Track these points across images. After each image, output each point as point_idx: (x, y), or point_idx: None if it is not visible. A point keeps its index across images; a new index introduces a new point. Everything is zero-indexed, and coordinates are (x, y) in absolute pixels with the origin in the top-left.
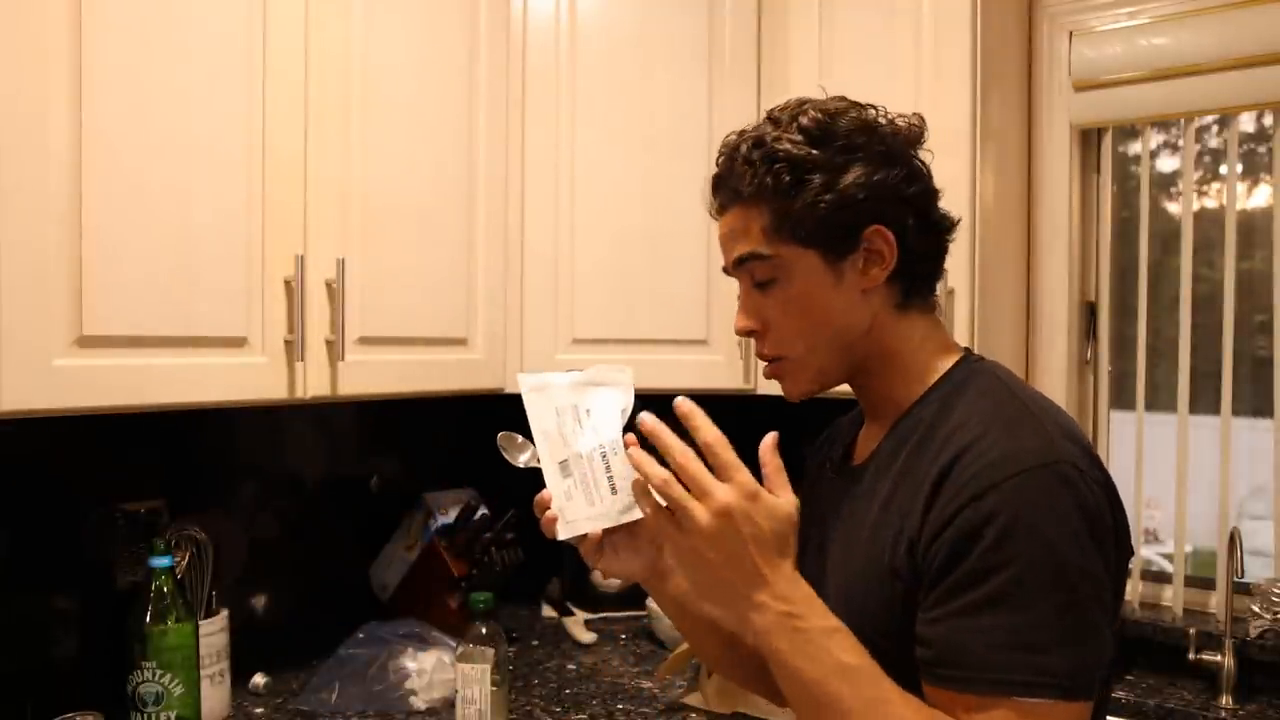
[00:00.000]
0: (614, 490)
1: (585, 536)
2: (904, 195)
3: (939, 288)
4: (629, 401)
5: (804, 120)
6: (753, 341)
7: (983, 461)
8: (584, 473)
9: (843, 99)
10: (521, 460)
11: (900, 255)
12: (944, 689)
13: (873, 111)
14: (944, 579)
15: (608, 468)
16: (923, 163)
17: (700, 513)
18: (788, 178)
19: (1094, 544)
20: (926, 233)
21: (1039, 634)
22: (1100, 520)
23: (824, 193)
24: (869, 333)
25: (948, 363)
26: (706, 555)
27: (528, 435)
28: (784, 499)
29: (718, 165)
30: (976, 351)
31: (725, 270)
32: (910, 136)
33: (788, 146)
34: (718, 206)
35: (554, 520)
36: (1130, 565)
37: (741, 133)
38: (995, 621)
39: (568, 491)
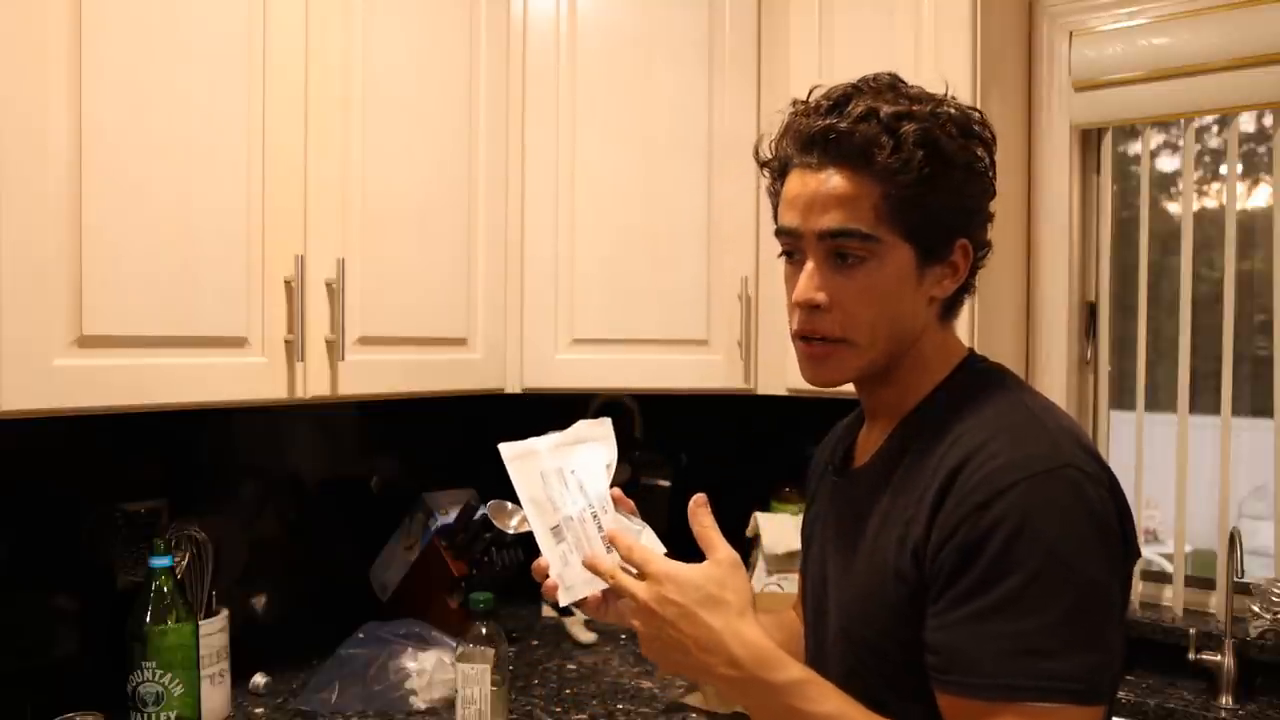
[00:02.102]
0: (609, 549)
1: (587, 599)
2: (987, 215)
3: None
4: (613, 456)
5: (949, 110)
6: (752, 341)
7: (989, 467)
8: (577, 536)
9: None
10: (511, 526)
11: (971, 268)
12: (954, 696)
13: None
14: (952, 586)
15: (599, 527)
16: None
17: (630, 615)
18: (928, 169)
19: (1102, 548)
20: (985, 253)
21: (1048, 639)
22: (1107, 525)
23: (952, 195)
24: (920, 338)
25: (952, 365)
26: (653, 646)
27: (514, 500)
28: (710, 560)
29: (835, 115)
30: (976, 352)
31: (789, 231)
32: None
33: (940, 135)
34: (818, 160)
35: (554, 588)
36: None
37: (858, 89)
38: (1003, 627)
39: (563, 556)
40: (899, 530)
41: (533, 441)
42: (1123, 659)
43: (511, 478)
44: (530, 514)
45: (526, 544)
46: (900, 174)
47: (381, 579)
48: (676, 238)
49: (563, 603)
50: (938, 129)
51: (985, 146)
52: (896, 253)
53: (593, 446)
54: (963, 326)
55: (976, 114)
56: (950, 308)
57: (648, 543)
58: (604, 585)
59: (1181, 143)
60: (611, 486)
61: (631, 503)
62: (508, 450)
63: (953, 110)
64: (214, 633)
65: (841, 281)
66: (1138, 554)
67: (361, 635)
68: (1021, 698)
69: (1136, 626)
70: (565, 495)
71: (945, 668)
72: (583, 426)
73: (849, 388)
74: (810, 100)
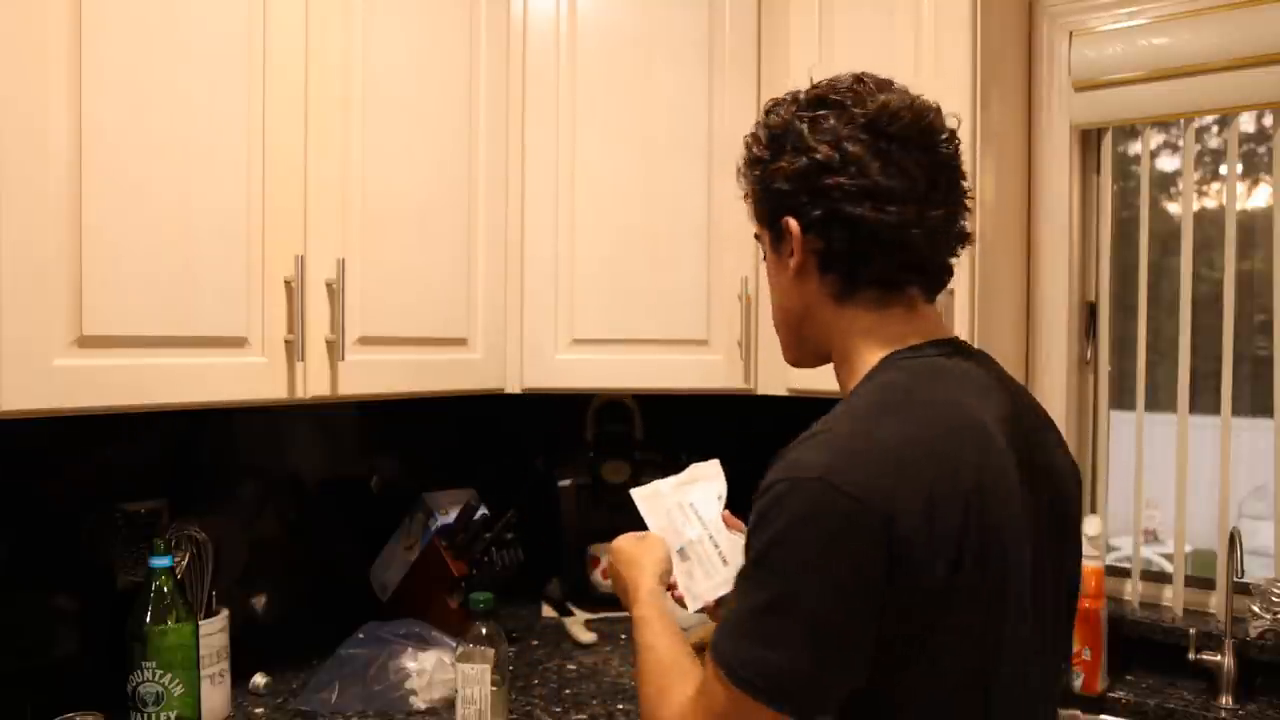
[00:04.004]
0: (725, 562)
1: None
2: (820, 187)
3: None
4: (723, 488)
5: (801, 95)
6: (752, 341)
7: (774, 467)
8: (698, 555)
9: (856, 76)
10: None
11: (822, 249)
12: None
13: (863, 90)
14: None
15: (716, 546)
16: (881, 156)
17: None
18: (751, 155)
19: (818, 565)
20: (848, 229)
21: (741, 624)
22: (838, 533)
23: (763, 177)
24: (806, 319)
25: (875, 360)
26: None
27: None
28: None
29: None
30: (922, 345)
31: None
32: (883, 122)
33: (758, 124)
34: None
35: (682, 597)
36: (1127, 564)
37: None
38: (732, 603)
39: (688, 572)
40: None
41: (657, 483)
42: (847, 680)
43: (642, 514)
44: None
45: (527, 544)
46: (743, 168)
47: (381, 579)
48: (676, 238)
49: (690, 610)
50: (765, 121)
51: (814, 115)
52: (765, 241)
53: (707, 483)
54: (963, 326)
55: (835, 84)
56: (848, 288)
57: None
58: (725, 590)
59: (1181, 143)
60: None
61: (740, 522)
62: (638, 492)
63: (805, 93)
64: (214, 633)
65: None
66: (938, 583)
67: (361, 635)
68: (719, 668)
69: (1136, 626)
70: (686, 524)
71: None
72: (697, 467)
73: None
74: None
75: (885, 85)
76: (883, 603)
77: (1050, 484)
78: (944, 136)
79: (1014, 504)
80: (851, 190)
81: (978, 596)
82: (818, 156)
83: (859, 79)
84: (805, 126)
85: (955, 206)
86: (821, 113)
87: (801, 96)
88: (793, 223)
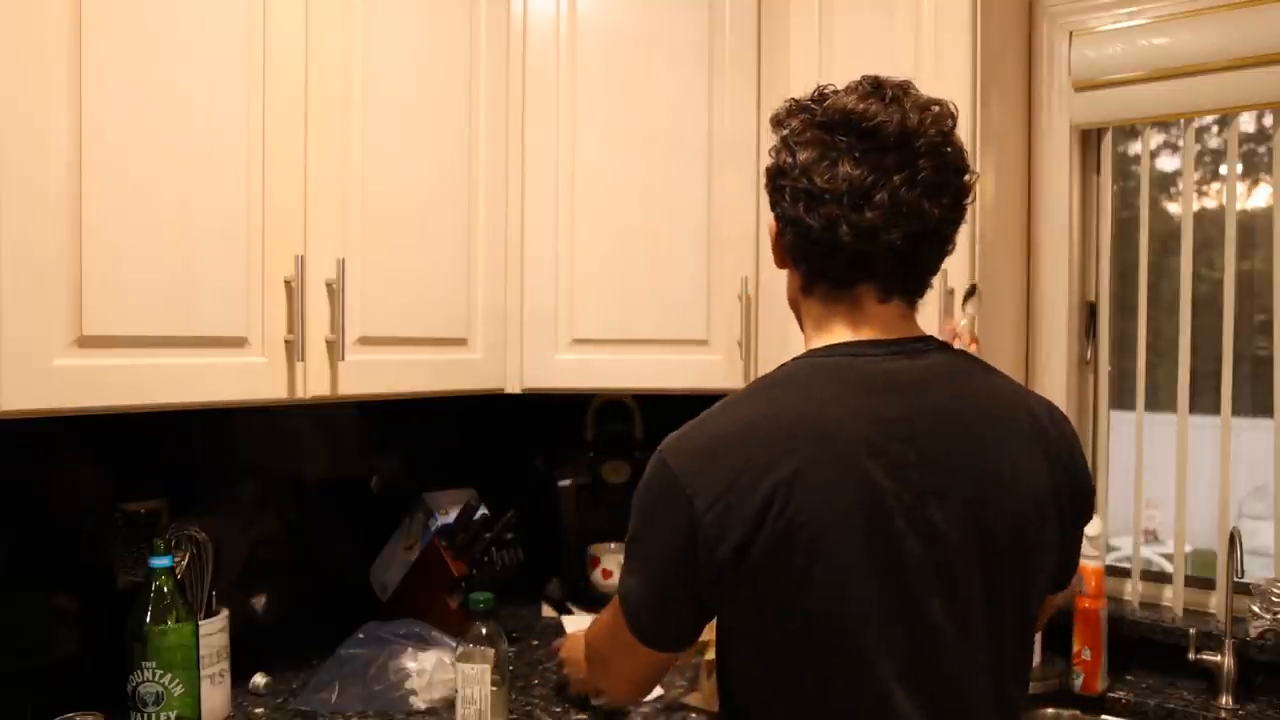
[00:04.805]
0: None
1: None
2: (778, 188)
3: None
4: None
5: (791, 101)
6: (752, 341)
7: None
8: None
9: (859, 80)
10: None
11: (787, 245)
12: None
13: (840, 94)
14: None
15: None
16: (828, 158)
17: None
18: None
19: (651, 518)
20: (791, 227)
21: (625, 553)
22: (660, 500)
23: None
24: (796, 308)
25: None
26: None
27: None
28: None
29: None
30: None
31: None
32: (834, 124)
33: None
34: None
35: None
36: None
37: None
38: None
39: None
40: None
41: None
42: (680, 631)
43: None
44: None
45: (526, 544)
46: None
47: (381, 579)
48: (676, 238)
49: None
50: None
51: (788, 119)
52: None
53: None
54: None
55: (813, 94)
56: (809, 281)
57: None
58: None
59: (1181, 143)
60: None
61: None
62: (570, 622)
63: (802, 99)
64: (214, 633)
65: None
66: (732, 563)
67: (361, 635)
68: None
69: (1136, 626)
70: None
71: None
72: None
73: None
74: None
75: (867, 87)
76: (692, 570)
77: (965, 488)
78: (924, 142)
79: (844, 500)
80: (794, 192)
81: (777, 584)
82: (776, 161)
83: (858, 83)
84: (779, 133)
85: (903, 209)
86: (791, 119)
87: (789, 102)
88: (772, 221)
